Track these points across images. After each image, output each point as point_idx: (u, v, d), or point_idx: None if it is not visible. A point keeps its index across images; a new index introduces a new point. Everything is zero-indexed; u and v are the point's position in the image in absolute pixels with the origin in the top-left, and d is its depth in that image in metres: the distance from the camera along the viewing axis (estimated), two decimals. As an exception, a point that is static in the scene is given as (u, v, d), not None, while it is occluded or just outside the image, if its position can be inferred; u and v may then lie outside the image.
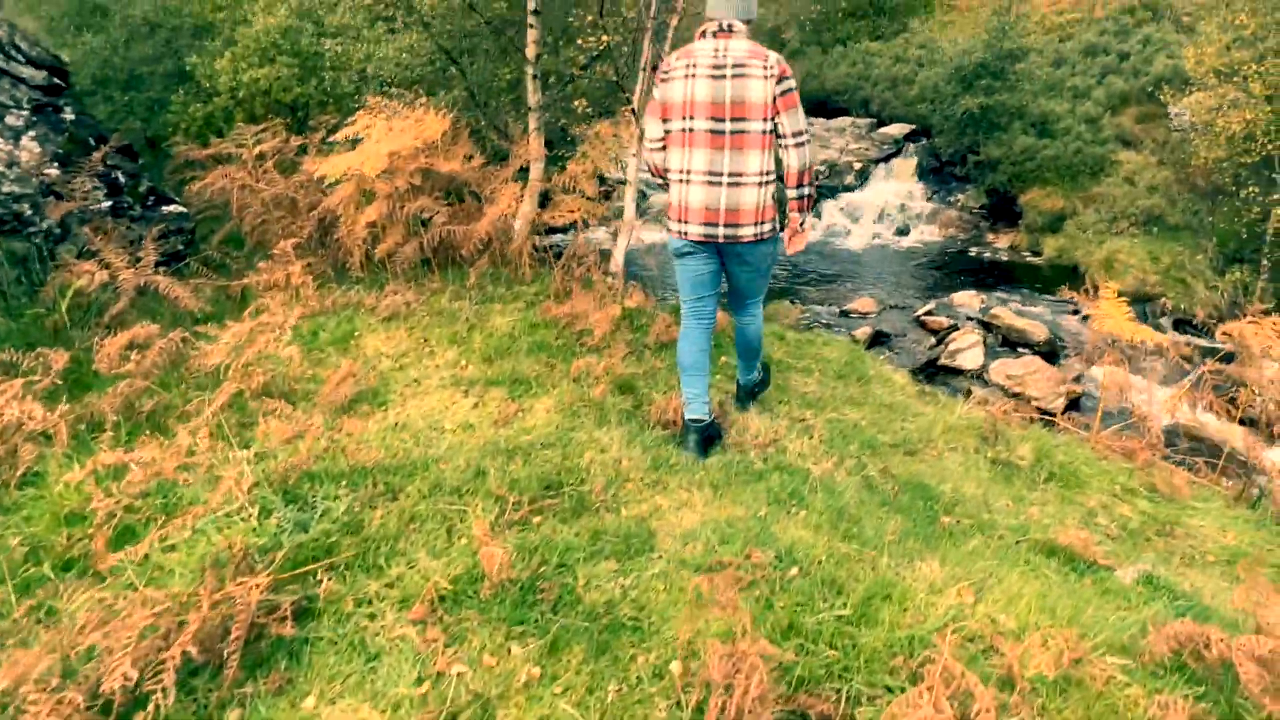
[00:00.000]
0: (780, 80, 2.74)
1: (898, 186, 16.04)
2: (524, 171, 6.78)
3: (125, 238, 5.36)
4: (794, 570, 2.35)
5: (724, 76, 2.73)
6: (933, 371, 7.00)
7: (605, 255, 8.12)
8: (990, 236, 13.37)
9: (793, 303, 8.73)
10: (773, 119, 2.78)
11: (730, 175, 2.81)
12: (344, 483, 2.67)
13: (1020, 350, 7.61)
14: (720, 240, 2.91)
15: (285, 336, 3.52)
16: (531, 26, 6.85)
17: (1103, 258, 10.18)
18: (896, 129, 17.96)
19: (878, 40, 22.68)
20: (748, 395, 3.94)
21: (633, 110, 7.62)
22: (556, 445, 3.13)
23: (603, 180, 8.34)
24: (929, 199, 15.14)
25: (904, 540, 2.74)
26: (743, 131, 2.77)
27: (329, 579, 2.17)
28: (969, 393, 6.34)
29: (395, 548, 2.35)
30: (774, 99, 2.74)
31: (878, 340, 7.67)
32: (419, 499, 2.63)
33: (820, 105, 21.77)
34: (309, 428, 2.93)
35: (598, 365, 3.95)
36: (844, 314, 8.64)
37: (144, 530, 2.40)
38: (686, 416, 3.26)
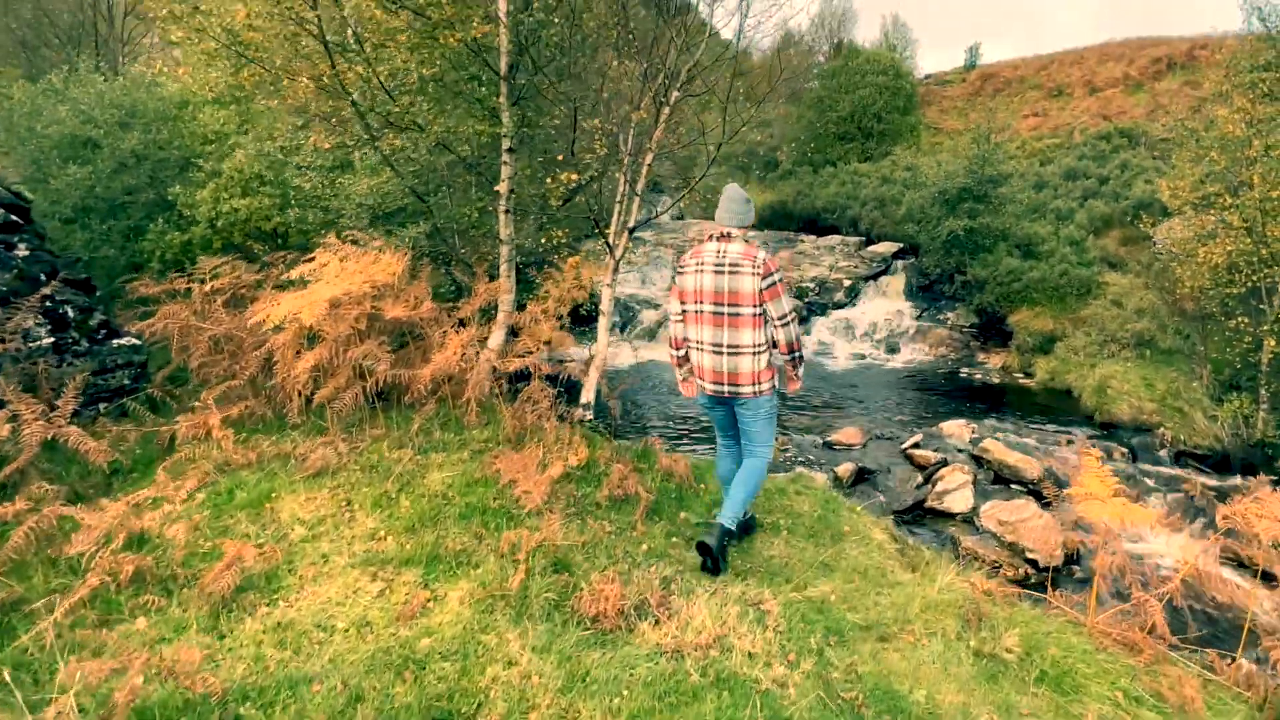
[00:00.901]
0: (765, 276, 3.51)
1: (887, 304, 16.05)
2: (488, 308, 6.63)
3: (56, 379, 5.14)
4: None
5: (723, 271, 3.56)
6: (920, 514, 6.55)
7: (577, 384, 7.87)
8: (981, 356, 13.17)
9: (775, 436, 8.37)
10: (761, 305, 3.55)
11: (729, 346, 3.64)
12: (184, 720, 2.24)
13: (1014, 487, 7.17)
14: (726, 395, 3.76)
15: (175, 510, 3.17)
16: (505, 164, 6.90)
17: (1096, 383, 9.89)
18: (885, 247, 18.23)
19: (867, 162, 23.54)
20: (718, 543, 3.77)
21: (607, 243, 7.58)
22: (458, 655, 2.70)
23: (580, 310, 8.20)
24: (918, 317, 15.08)
25: (858, 795, 2.26)
26: (737, 314, 3.58)
27: None
28: (957, 543, 5.87)
29: (214, 827, 1.90)
30: (760, 290, 3.52)
31: (861, 478, 7.25)
32: (270, 743, 2.19)
33: (811, 223, 22.30)
34: (161, 638, 2.51)
35: (530, 538, 3.56)
36: (828, 446, 8.26)
37: (-86, 797, 1.96)
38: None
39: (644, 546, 4.01)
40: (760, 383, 3.67)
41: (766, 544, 4.45)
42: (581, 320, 14.19)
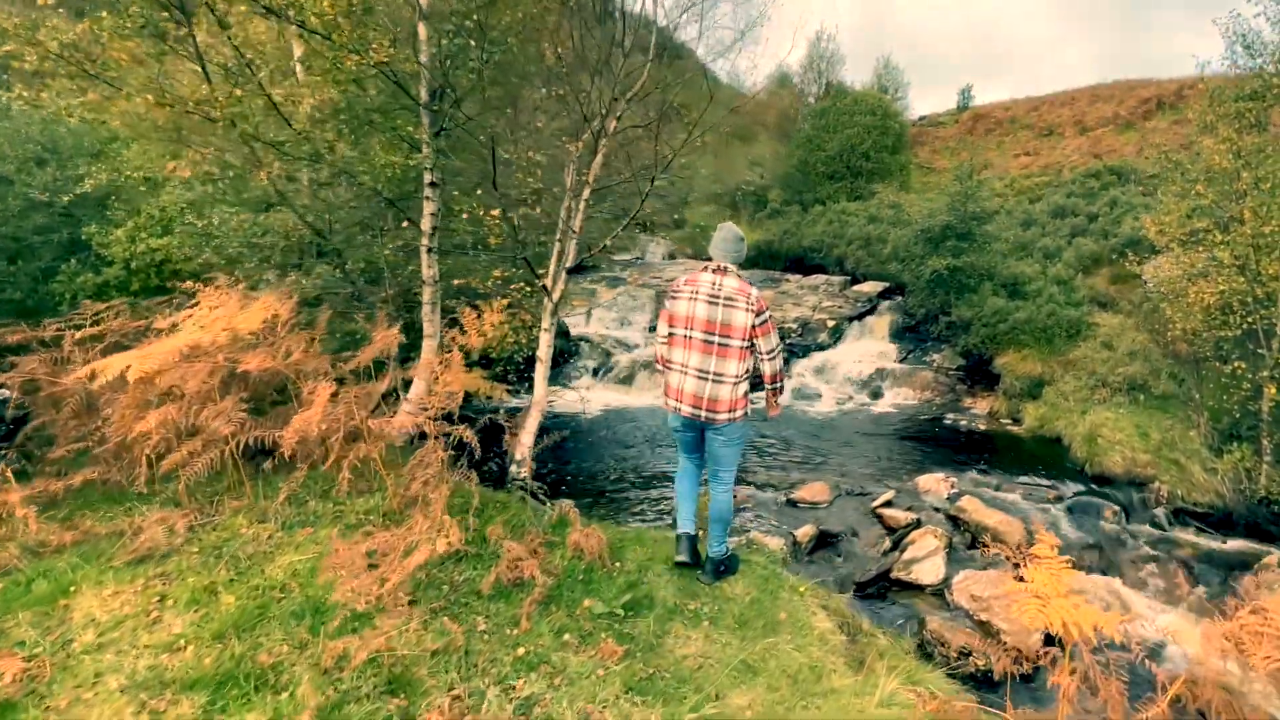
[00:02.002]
0: (759, 314, 3.74)
1: (871, 346, 15.44)
2: (390, 360, 6.02)
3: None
4: None
5: (717, 303, 3.74)
6: (885, 586, 5.82)
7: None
8: (968, 401, 12.50)
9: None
10: (751, 339, 3.76)
11: (714, 374, 3.79)
12: None
13: (994, 552, 6.46)
14: (702, 419, 3.87)
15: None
16: (428, 199, 6.36)
17: (1086, 431, 9.19)
18: (870, 286, 17.73)
19: (856, 201, 23.22)
20: (714, 570, 4.31)
21: (544, 287, 7.01)
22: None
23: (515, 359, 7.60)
24: (903, 359, 14.46)
25: None
26: (726, 345, 3.77)
27: None
28: (922, 624, 5.14)
29: None
30: (753, 326, 3.73)
31: (823, 542, 6.53)
32: None
33: (797, 262, 21.88)
34: None
35: (364, 646, 2.88)
36: (791, 504, 7.54)
37: None
38: (678, 530, 4.30)
39: (520, 650, 3.32)
40: (735, 410, 3.83)
41: (681, 639, 3.75)
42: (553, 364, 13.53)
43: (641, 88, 6.23)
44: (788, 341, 15.80)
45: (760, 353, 3.81)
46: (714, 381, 3.80)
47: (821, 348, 15.61)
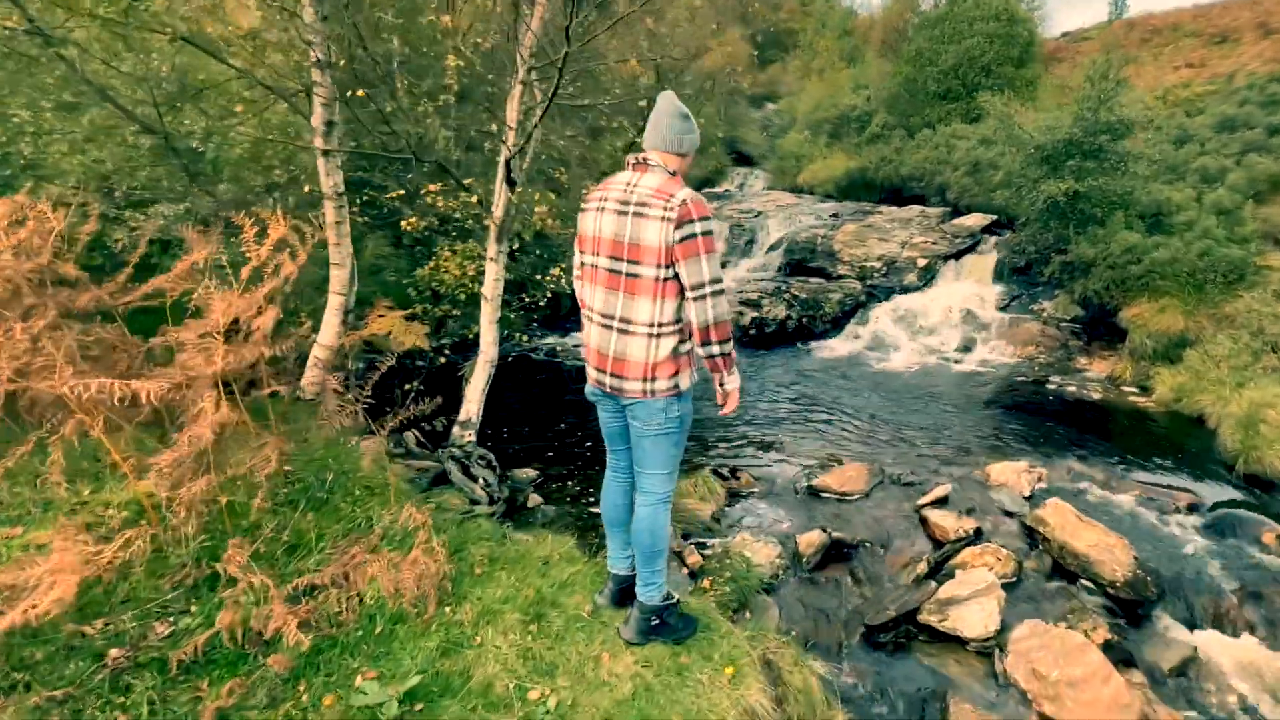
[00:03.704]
0: (681, 224, 2.41)
1: (969, 289, 13.01)
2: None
3: None
4: None
5: (626, 213, 2.50)
6: (908, 632, 4.10)
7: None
8: (1081, 361, 10.05)
9: (735, 474, 5.98)
10: (671, 266, 2.46)
11: (620, 320, 2.58)
12: None
13: (1082, 585, 4.57)
14: (609, 389, 2.67)
15: None
16: (318, 85, 4.91)
17: (1243, 412, 6.82)
18: (975, 220, 15.05)
19: (973, 123, 20.00)
20: (642, 624, 2.86)
21: (481, 201, 5.48)
22: None
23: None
24: (1004, 307, 12.01)
25: None
26: (636, 275, 2.51)
27: None
28: (944, 715, 3.42)
29: None
30: (671, 245, 2.42)
31: (834, 555, 4.81)
32: None
33: (895, 194, 19.35)
34: None
35: None
36: (812, 492, 5.83)
37: None
38: (609, 569, 3.09)
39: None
40: (654, 378, 2.56)
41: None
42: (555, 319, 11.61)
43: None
44: (868, 283, 13.62)
45: (685, 287, 2.46)
46: (620, 331, 2.56)
47: (907, 290, 13.35)
